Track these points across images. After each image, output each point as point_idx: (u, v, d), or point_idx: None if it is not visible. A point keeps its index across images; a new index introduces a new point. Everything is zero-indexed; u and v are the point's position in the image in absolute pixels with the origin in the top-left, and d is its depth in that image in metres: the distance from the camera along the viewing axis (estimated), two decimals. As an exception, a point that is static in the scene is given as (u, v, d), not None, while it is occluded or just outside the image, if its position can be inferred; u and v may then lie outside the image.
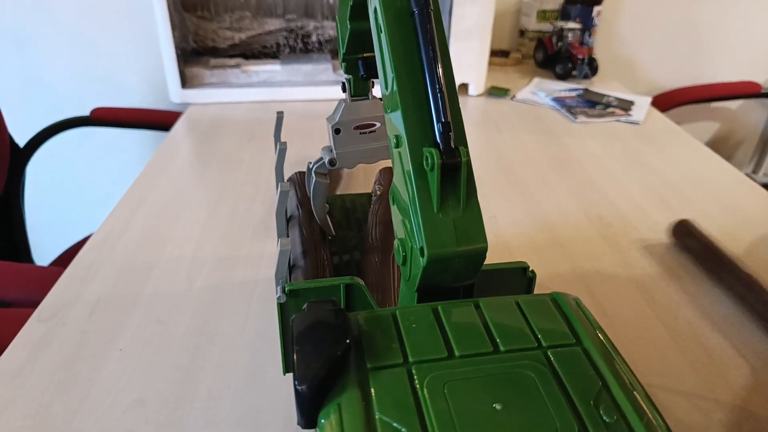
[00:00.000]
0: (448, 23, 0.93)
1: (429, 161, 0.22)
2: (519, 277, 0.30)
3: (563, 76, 1.07)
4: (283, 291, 0.28)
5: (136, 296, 0.49)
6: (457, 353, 0.20)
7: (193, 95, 0.92)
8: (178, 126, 0.86)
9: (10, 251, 0.97)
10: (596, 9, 1.13)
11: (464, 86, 0.98)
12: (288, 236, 0.37)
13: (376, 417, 0.17)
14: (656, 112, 0.93)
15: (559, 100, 0.95)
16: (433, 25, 0.23)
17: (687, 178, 0.70)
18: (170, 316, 0.47)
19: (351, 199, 0.48)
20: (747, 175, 1.47)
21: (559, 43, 1.09)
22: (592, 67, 1.06)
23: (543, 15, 1.16)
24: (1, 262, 0.69)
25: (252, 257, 0.54)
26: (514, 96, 0.98)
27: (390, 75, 0.24)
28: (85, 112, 1.04)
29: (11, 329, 0.56)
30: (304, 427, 0.19)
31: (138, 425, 0.37)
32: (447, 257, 0.22)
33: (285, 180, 0.46)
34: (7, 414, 0.38)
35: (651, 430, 0.17)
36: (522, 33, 1.20)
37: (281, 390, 0.39)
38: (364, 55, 0.35)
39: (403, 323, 0.21)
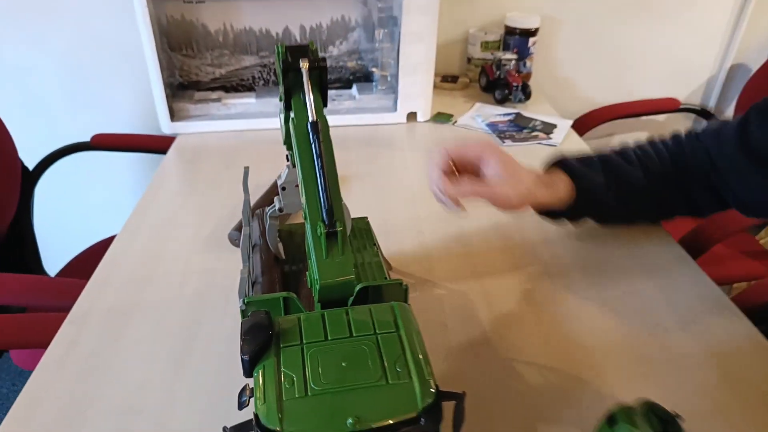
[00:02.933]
0: (396, 60, 1.09)
1: (319, 230, 0.39)
2: (398, 289, 0.47)
3: (501, 101, 1.23)
4: (243, 303, 0.45)
5: (137, 303, 0.65)
6: (329, 337, 0.36)
7: (181, 126, 1.08)
8: (169, 155, 1.02)
9: (23, 267, 1.12)
10: (531, 39, 1.30)
11: (413, 114, 1.14)
12: (249, 263, 0.54)
13: (282, 370, 0.34)
14: (574, 135, 1.11)
15: (493, 125, 1.12)
16: (321, 146, 0.40)
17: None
18: (166, 316, 0.63)
19: (299, 229, 0.65)
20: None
21: (498, 72, 1.25)
22: (526, 93, 1.23)
23: (486, 45, 1.32)
24: (18, 275, 0.85)
25: (229, 269, 0.70)
26: (455, 121, 1.15)
27: (300, 174, 0.40)
28: (86, 137, 1.19)
29: (38, 329, 0.73)
30: (246, 377, 0.35)
31: (146, 400, 0.53)
32: (331, 285, 0.39)
33: (252, 216, 0.63)
34: (47, 394, 0.54)
35: (420, 377, 0.34)
36: (469, 60, 1.36)
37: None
38: (298, 139, 0.51)
39: (303, 323, 0.38)
